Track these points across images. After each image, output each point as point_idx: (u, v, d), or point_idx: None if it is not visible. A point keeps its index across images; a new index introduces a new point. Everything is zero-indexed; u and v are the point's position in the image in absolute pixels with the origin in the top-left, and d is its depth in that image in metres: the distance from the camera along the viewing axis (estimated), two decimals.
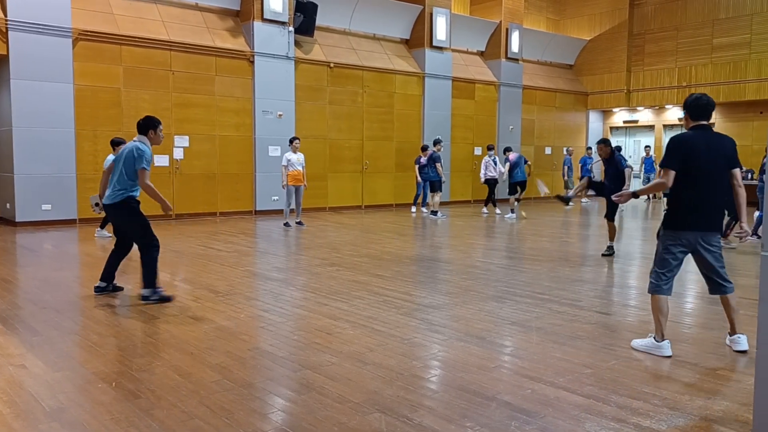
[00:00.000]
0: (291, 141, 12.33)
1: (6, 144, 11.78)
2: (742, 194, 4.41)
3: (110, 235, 9.56)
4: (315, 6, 14.63)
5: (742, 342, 4.52)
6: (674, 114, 20.68)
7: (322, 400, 3.56)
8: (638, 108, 21.41)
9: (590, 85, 22.09)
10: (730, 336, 4.62)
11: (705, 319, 5.49)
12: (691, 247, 4.37)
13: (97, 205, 6.03)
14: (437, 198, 14.57)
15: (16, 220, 11.61)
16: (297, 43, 14.86)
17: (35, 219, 11.69)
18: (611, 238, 9.07)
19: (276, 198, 14.44)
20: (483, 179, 15.33)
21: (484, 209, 15.68)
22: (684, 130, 4.56)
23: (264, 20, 14.07)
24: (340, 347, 4.55)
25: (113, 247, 6.30)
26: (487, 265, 8.22)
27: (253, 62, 14.11)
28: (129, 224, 6.05)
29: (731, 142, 4.48)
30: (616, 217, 9.24)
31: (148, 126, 6.17)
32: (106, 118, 12.39)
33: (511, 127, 19.58)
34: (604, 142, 9.15)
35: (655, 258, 4.49)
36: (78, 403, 3.51)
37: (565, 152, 19.76)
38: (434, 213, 14.48)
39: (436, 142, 14.72)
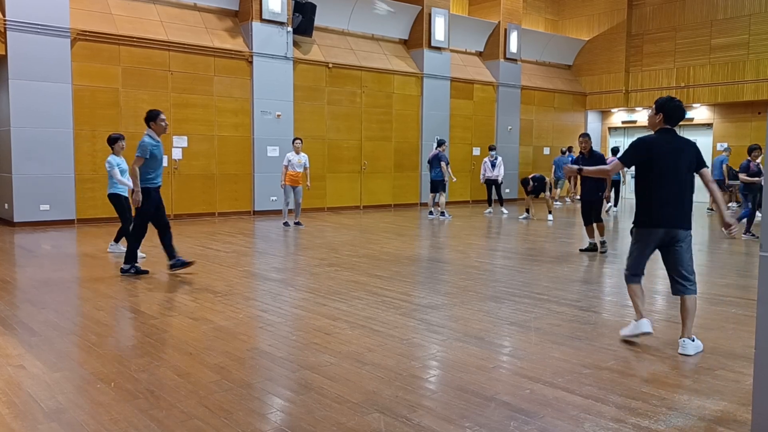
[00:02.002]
0: (292, 142, 12.48)
1: (4, 144, 11.77)
2: (716, 189, 4.64)
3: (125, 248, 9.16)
4: (313, 6, 14.63)
5: (687, 346, 4.47)
6: None
7: (320, 401, 3.56)
8: (637, 108, 21.43)
9: (589, 86, 22.10)
10: (680, 338, 4.57)
11: (704, 320, 5.50)
12: (659, 243, 4.58)
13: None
14: (441, 198, 14.41)
15: (15, 220, 11.59)
16: (295, 44, 14.86)
17: (33, 219, 11.68)
18: (601, 234, 9.26)
19: (274, 198, 14.43)
20: (482, 179, 15.59)
21: (489, 209, 15.72)
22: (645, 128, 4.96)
23: (262, 20, 14.07)
24: (339, 347, 4.55)
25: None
26: (486, 266, 8.22)
27: (251, 62, 14.11)
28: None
29: (694, 144, 4.68)
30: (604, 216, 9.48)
31: (148, 119, 7.26)
32: (104, 118, 12.38)
33: (509, 127, 19.59)
34: (586, 136, 9.24)
35: (630, 252, 4.77)
36: (77, 404, 3.50)
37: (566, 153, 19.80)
38: (431, 213, 14.48)
39: (441, 143, 14.53)
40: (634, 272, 4.74)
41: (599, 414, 3.41)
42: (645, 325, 4.65)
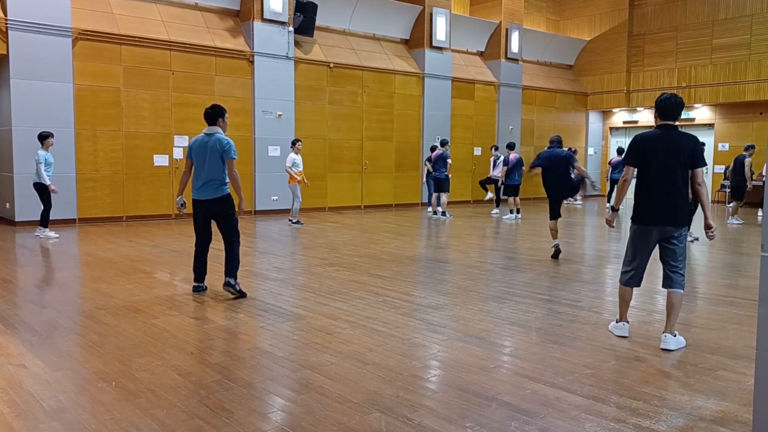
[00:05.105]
0: (295, 143, 12.61)
1: (5, 143, 11.78)
2: (703, 192, 4.55)
3: (56, 235, 10.39)
4: (315, 6, 14.63)
5: (668, 341, 4.56)
6: None
7: (321, 400, 3.56)
8: (638, 108, 21.41)
9: (590, 86, 22.09)
10: (663, 333, 4.67)
11: (705, 320, 5.50)
12: (653, 241, 4.64)
13: (183, 205, 6.44)
14: (444, 198, 14.35)
15: (16, 219, 11.60)
16: (297, 43, 14.86)
17: (35, 219, 11.64)
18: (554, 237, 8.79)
19: (276, 198, 14.44)
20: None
21: (493, 210, 15.68)
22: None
23: (264, 20, 14.07)
24: (340, 347, 4.55)
25: (199, 244, 6.42)
26: (487, 266, 8.22)
27: (252, 62, 14.11)
28: (229, 217, 6.23)
29: (694, 141, 4.57)
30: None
31: (220, 115, 6.24)
32: (105, 117, 12.39)
33: (510, 127, 19.58)
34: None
35: (627, 250, 4.81)
36: (78, 403, 3.51)
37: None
38: (435, 213, 14.47)
39: (444, 143, 14.54)
40: (628, 273, 4.76)
41: (600, 414, 3.41)
42: (626, 330, 4.90)
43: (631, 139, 4.72)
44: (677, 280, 4.59)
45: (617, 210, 4.93)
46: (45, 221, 10.37)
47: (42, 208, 10.30)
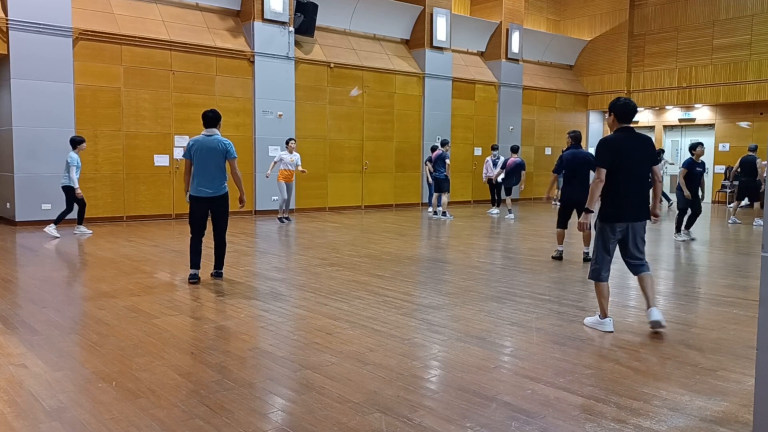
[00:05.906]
0: (287, 142, 12.80)
1: (6, 143, 11.78)
2: (659, 187, 5.25)
3: (59, 235, 10.43)
4: (315, 6, 14.63)
5: (654, 312, 4.90)
6: (674, 115, 20.70)
7: (322, 400, 3.56)
8: (639, 109, 21.32)
9: (590, 86, 22.09)
10: (647, 309, 4.99)
11: (705, 320, 5.50)
12: (621, 236, 4.94)
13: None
14: (444, 198, 14.35)
15: (16, 219, 11.61)
16: (297, 43, 14.87)
17: (35, 219, 11.68)
18: (587, 243, 8.51)
19: (276, 198, 14.42)
20: (485, 179, 15.81)
21: (492, 210, 15.66)
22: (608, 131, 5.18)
23: (264, 20, 14.08)
24: (340, 347, 4.55)
25: (196, 238, 6.96)
26: (487, 266, 8.22)
27: (253, 62, 14.11)
28: (226, 214, 6.99)
29: (651, 141, 5.07)
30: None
31: (219, 119, 6.87)
32: (106, 117, 12.39)
33: (511, 127, 19.58)
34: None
35: (595, 249, 5.03)
36: (78, 403, 3.51)
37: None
38: (435, 213, 14.47)
39: (444, 143, 14.55)
40: (605, 268, 4.99)
41: (600, 414, 3.41)
42: (610, 326, 5.06)
43: (599, 142, 4.93)
44: (646, 263, 5.02)
45: (592, 211, 5.06)
46: (58, 220, 10.61)
47: (78, 207, 10.72)
